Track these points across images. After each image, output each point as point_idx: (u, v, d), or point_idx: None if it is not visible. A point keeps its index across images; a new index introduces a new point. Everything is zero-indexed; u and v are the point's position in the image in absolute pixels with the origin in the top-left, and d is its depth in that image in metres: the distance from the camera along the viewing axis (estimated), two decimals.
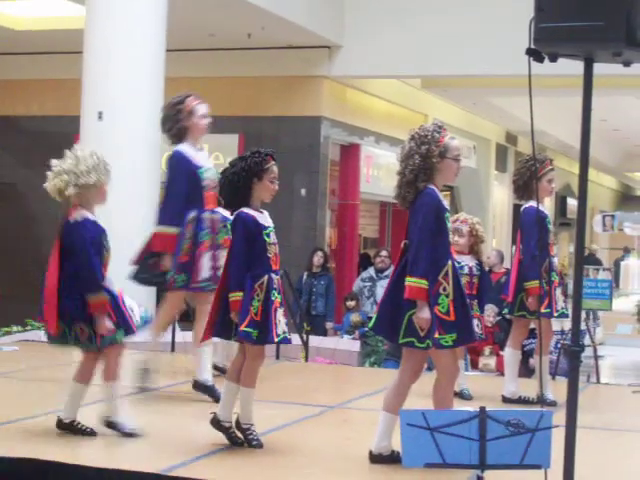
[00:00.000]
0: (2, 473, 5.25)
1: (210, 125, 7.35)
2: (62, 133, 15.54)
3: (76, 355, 6.22)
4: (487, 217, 22.84)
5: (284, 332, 5.72)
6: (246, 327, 5.60)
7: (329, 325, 13.68)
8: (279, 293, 5.74)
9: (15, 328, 11.04)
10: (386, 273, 12.75)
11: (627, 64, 4.32)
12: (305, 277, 13.83)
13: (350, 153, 17.09)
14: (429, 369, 6.93)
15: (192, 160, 7.18)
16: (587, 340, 10.55)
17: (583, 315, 10.82)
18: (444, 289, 5.38)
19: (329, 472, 5.47)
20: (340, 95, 16.48)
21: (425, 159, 5.41)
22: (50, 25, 14.95)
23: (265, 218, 5.82)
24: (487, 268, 11.05)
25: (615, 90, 16.68)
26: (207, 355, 7.22)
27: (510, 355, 7.79)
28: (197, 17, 13.78)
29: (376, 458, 5.52)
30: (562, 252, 32.77)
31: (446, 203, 5.60)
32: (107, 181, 5.99)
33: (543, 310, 7.38)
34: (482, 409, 4.14)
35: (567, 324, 8.99)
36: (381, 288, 12.17)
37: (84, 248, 5.82)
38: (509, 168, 24.43)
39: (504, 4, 14.04)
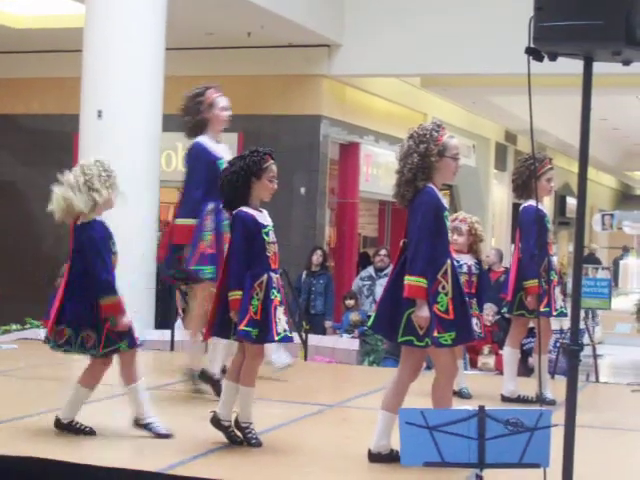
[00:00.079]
0: (1, 471, 5.25)
1: (230, 118, 7.32)
2: (62, 131, 15.56)
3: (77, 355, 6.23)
4: (486, 216, 22.83)
5: (285, 330, 5.72)
6: (245, 326, 5.60)
7: (328, 324, 13.66)
8: (279, 292, 5.75)
9: (14, 326, 11.03)
10: (385, 272, 12.74)
11: (627, 63, 4.32)
12: (304, 276, 13.82)
13: (349, 152, 17.07)
14: (428, 368, 6.93)
15: (212, 151, 7.16)
16: (586, 339, 10.55)
17: (582, 314, 10.82)
18: (443, 288, 5.38)
19: (328, 471, 5.48)
20: (340, 94, 16.47)
21: (424, 158, 5.41)
22: (50, 23, 14.93)
23: (264, 217, 5.82)
24: (486, 267, 11.06)
25: (615, 89, 16.67)
26: (221, 349, 7.17)
27: (509, 354, 7.79)
28: (197, 16, 13.77)
29: (375, 457, 5.52)
30: (561, 251, 32.76)
31: (445, 202, 5.60)
32: (115, 190, 5.97)
33: (542, 309, 7.39)
34: (481, 408, 4.14)
35: (566, 323, 8.99)
36: (380, 287, 12.15)
37: (94, 248, 5.78)
38: (508, 167, 24.42)
39: (504, 4, 14.02)
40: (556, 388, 7.43)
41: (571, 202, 30.57)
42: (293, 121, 15.75)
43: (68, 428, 5.97)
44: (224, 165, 7.04)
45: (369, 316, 10.32)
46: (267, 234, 5.76)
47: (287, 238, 14.30)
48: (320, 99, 15.93)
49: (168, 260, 7.32)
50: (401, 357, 5.58)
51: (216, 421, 5.84)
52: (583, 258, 4.46)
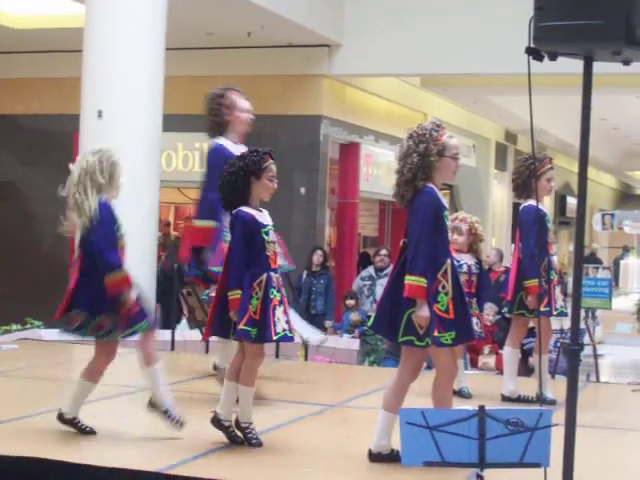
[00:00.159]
0: (1, 472, 5.25)
1: (252, 121, 7.27)
2: (62, 132, 15.55)
3: (76, 353, 6.25)
4: (487, 216, 22.84)
5: (284, 330, 5.72)
6: (244, 325, 5.60)
7: (328, 324, 13.67)
8: (278, 291, 5.74)
9: (14, 327, 11.04)
10: (385, 272, 12.74)
11: (627, 63, 4.32)
12: (304, 276, 13.83)
13: (350, 152, 17.08)
14: (428, 368, 6.94)
15: (232, 154, 7.14)
16: (586, 339, 10.55)
17: (582, 314, 10.82)
18: (443, 287, 5.38)
19: (329, 471, 5.48)
20: (340, 94, 16.47)
21: (423, 158, 5.41)
22: (50, 24, 14.94)
23: (264, 217, 5.82)
24: (487, 267, 11.06)
25: (615, 89, 16.68)
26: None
27: (509, 354, 7.79)
28: (197, 16, 13.78)
29: (375, 457, 5.52)
30: (562, 251, 32.77)
31: (445, 202, 5.60)
32: (119, 176, 5.98)
33: (542, 309, 7.38)
34: (481, 408, 4.14)
35: (566, 323, 8.98)
36: (380, 287, 12.15)
37: (97, 227, 5.79)
38: (509, 167, 24.42)
39: (504, 4, 14.03)
40: (556, 388, 7.43)
41: (571, 202, 30.58)
42: (293, 121, 15.76)
43: (70, 423, 5.97)
44: None
45: (369, 316, 10.31)
46: (267, 233, 5.76)
47: (287, 238, 14.19)
48: (320, 99, 15.94)
49: (193, 260, 7.29)
50: (401, 357, 5.58)
51: (216, 421, 5.84)
52: (584, 258, 4.46)
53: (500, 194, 25.31)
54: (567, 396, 4.35)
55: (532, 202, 7.49)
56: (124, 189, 6.14)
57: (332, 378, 9.58)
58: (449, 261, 5.45)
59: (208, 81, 14.84)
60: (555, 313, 7.52)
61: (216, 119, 7.13)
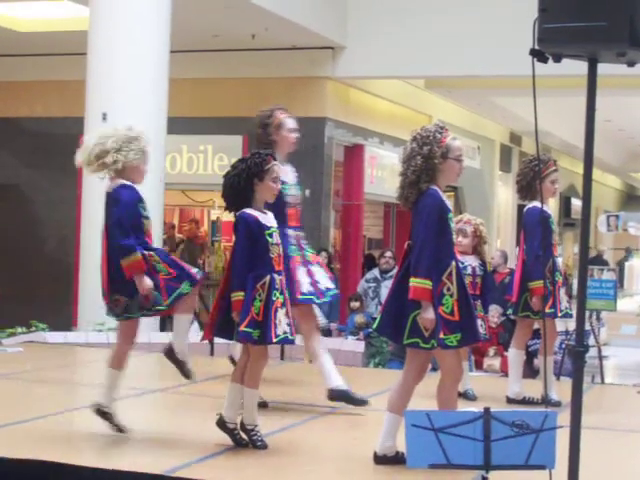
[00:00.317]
0: (6, 474, 5.25)
1: (297, 138, 7.15)
2: (66, 134, 15.52)
3: (81, 356, 6.25)
4: (491, 217, 22.83)
5: (284, 332, 5.70)
6: (246, 327, 5.60)
7: (333, 326, 13.67)
8: (281, 293, 5.74)
9: (19, 329, 11.05)
10: (390, 274, 12.73)
11: (631, 64, 4.32)
12: None
13: (354, 154, 17.09)
14: (433, 370, 6.93)
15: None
16: (591, 340, 10.55)
17: (587, 315, 10.81)
18: (448, 289, 5.38)
19: (334, 473, 5.48)
20: (344, 96, 16.48)
21: (427, 160, 5.41)
22: (54, 27, 14.96)
23: (268, 218, 5.82)
24: (491, 268, 11.05)
25: (619, 90, 16.67)
26: (328, 361, 7.10)
27: (514, 355, 7.79)
28: (201, 18, 13.79)
29: (380, 459, 5.52)
30: (567, 252, 32.74)
31: (449, 203, 5.59)
32: (146, 160, 6.06)
33: (547, 310, 7.38)
34: (486, 410, 4.14)
35: (571, 324, 8.98)
36: (385, 289, 12.15)
37: (114, 210, 5.84)
38: (513, 168, 24.41)
39: (507, 4, 14.04)
40: (561, 390, 7.43)
41: (576, 203, 30.55)
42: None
43: (105, 417, 5.97)
44: (288, 190, 6.90)
45: (374, 318, 10.30)
46: (271, 235, 5.76)
47: None
48: (324, 101, 15.95)
49: None
50: (406, 359, 5.58)
51: (222, 423, 5.84)
52: (590, 259, 4.46)
53: (505, 196, 25.29)
54: (572, 398, 4.35)
55: (537, 204, 7.48)
56: None
57: None
58: (454, 263, 5.44)
59: (212, 83, 14.97)
60: (560, 315, 7.52)
61: (265, 140, 7.04)
